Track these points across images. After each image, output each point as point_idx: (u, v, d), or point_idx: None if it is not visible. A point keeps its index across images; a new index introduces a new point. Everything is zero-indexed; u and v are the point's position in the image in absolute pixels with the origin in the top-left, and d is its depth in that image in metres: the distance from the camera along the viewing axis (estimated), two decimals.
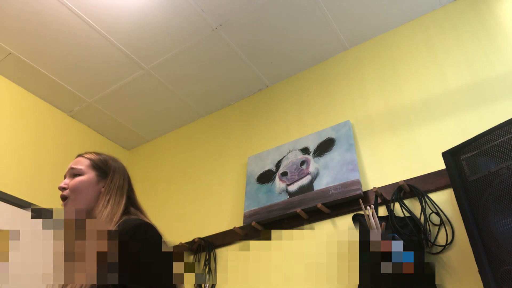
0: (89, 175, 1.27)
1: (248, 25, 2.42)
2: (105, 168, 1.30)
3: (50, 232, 2.34)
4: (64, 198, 1.25)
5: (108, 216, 1.16)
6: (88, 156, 1.32)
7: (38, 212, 2.47)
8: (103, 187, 1.26)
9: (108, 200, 1.22)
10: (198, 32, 2.45)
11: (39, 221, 2.44)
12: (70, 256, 1.12)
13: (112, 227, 1.12)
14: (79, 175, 1.27)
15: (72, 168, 1.29)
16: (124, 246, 1.04)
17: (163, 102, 2.95)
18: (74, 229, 1.21)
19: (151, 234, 1.11)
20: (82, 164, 1.29)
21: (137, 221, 1.14)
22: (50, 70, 2.66)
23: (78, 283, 1.03)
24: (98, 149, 3.11)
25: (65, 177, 1.30)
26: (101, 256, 1.04)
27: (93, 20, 2.36)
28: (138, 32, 2.44)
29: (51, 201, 2.63)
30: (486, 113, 1.90)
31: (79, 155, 1.33)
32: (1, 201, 2.33)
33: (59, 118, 2.95)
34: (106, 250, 1.04)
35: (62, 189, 1.25)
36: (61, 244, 1.20)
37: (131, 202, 1.28)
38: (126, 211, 1.23)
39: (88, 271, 1.04)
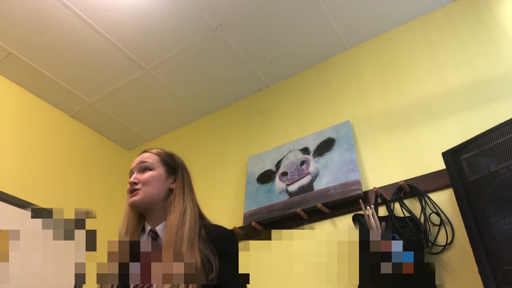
0: (159, 170, 1.26)
1: (248, 25, 2.42)
2: (173, 165, 1.30)
3: (50, 232, 2.34)
4: (133, 191, 1.23)
5: (192, 218, 1.18)
6: (155, 151, 1.30)
7: (38, 212, 2.47)
8: (172, 183, 1.26)
9: (186, 198, 1.22)
10: (198, 32, 2.45)
11: (39, 221, 2.44)
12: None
13: (199, 229, 1.16)
14: (150, 169, 1.25)
15: (142, 162, 1.26)
16: (235, 254, 1.15)
17: (163, 102, 2.95)
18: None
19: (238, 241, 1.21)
20: (152, 159, 1.27)
21: (228, 229, 1.22)
22: (50, 70, 2.66)
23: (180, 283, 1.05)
24: (98, 149, 3.13)
25: (132, 172, 1.27)
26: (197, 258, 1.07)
27: (93, 20, 2.36)
28: (138, 32, 2.44)
29: (51, 201, 2.63)
30: (486, 113, 1.89)
31: (145, 151, 1.31)
32: (1, 201, 2.33)
33: (59, 118, 2.95)
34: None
35: (133, 183, 1.23)
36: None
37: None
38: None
39: (186, 271, 1.05)
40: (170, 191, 1.26)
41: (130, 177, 1.26)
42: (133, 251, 1.16)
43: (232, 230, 1.19)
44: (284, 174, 2.32)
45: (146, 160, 1.26)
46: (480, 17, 2.16)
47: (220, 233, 1.17)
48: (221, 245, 1.13)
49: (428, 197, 1.82)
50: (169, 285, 1.03)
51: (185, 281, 1.03)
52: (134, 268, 1.12)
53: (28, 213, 2.42)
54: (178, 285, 1.03)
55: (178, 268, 1.04)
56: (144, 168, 1.25)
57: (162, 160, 1.28)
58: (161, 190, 1.23)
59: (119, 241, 1.19)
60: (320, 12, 2.36)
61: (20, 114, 2.69)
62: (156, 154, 1.29)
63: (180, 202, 1.20)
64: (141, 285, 1.11)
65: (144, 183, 1.22)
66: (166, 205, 1.23)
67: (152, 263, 1.10)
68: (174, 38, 2.48)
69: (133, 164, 1.28)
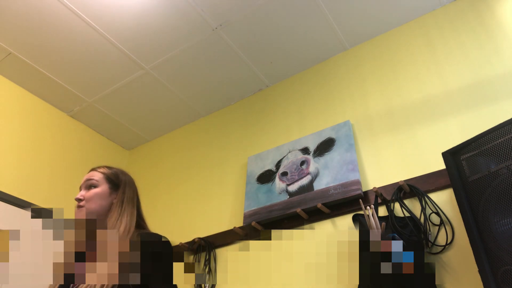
0: (103, 187, 1.39)
1: (248, 25, 2.42)
2: (116, 181, 1.42)
3: (50, 232, 2.34)
4: (79, 208, 1.37)
5: (125, 228, 1.29)
6: (101, 170, 1.44)
7: (38, 212, 2.47)
8: (115, 198, 1.38)
9: (122, 211, 1.34)
10: (198, 32, 2.45)
11: (39, 221, 2.44)
12: (90, 257, 1.24)
13: (130, 238, 1.26)
14: (94, 186, 1.39)
15: (87, 180, 1.40)
16: (157, 255, 1.24)
17: (163, 102, 2.95)
18: (86, 229, 1.34)
19: (170, 246, 1.31)
20: (97, 176, 1.41)
21: (159, 235, 1.31)
22: (50, 70, 2.66)
23: (100, 283, 1.14)
24: (98, 149, 3.13)
25: (80, 189, 1.41)
26: (125, 259, 1.17)
27: (93, 20, 2.36)
28: (138, 32, 2.44)
29: (51, 201, 2.63)
30: (486, 113, 1.89)
31: (93, 169, 1.45)
32: (1, 201, 2.33)
33: (59, 118, 2.95)
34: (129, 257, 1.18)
35: (79, 200, 1.37)
36: (72, 244, 1.32)
37: (139, 214, 1.41)
38: (137, 224, 1.36)
39: (111, 271, 1.14)
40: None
41: None
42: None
43: (164, 236, 1.30)
44: (284, 174, 2.32)
45: (92, 178, 1.41)
46: (480, 17, 2.16)
47: (150, 238, 1.29)
48: (149, 247, 1.24)
49: (428, 197, 1.82)
50: (85, 284, 1.15)
51: (102, 280, 1.14)
52: (77, 269, 1.26)
53: (28, 213, 2.42)
54: (95, 285, 1.14)
55: (102, 269, 1.16)
56: (89, 185, 1.40)
57: (107, 177, 1.42)
58: (104, 204, 1.37)
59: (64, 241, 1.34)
60: (320, 12, 2.36)
61: (20, 114, 2.69)
62: (102, 172, 1.43)
63: (115, 214, 1.33)
64: (73, 285, 1.22)
65: (88, 200, 1.36)
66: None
67: (86, 264, 1.23)
68: (174, 38, 2.48)
69: (81, 182, 1.42)
